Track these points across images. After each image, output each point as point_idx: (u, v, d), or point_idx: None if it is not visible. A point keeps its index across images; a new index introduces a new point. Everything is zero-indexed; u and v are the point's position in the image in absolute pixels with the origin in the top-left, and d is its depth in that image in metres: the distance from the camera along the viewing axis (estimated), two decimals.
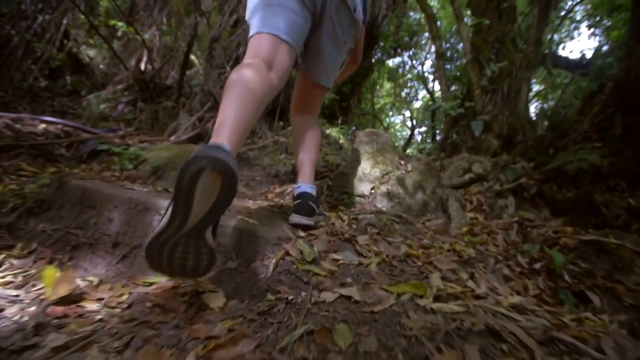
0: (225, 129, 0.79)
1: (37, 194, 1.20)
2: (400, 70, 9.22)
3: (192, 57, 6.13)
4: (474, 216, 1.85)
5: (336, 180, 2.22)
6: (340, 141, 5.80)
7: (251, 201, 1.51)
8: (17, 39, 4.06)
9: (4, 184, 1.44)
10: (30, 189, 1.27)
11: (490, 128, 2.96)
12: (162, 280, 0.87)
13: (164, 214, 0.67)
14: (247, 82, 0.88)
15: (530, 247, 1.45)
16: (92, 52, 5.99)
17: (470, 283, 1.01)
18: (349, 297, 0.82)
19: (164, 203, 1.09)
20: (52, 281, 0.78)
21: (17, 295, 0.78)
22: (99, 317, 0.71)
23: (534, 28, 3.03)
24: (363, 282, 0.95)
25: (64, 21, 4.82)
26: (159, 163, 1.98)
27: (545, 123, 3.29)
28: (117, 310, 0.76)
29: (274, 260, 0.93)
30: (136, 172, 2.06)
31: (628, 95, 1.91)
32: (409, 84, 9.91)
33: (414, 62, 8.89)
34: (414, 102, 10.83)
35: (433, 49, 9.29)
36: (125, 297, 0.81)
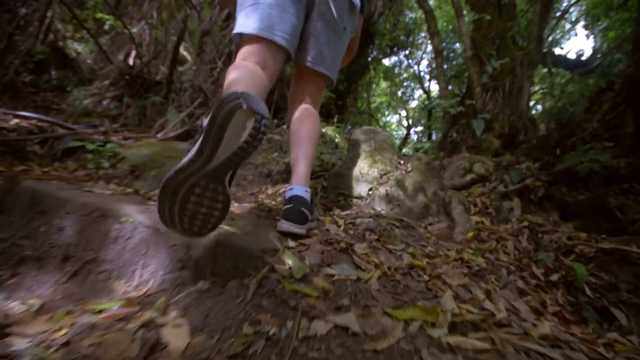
0: (241, 84, 0.82)
1: None
2: (397, 70, 9.09)
3: (185, 53, 5.90)
4: (480, 220, 1.70)
5: (331, 181, 2.05)
6: (336, 140, 5.63)
7: (237, 204, 1.33)
8: None
9: None
10: None
11: (491, 127, 2.82)
12: (114, 307, 0.69)
13: (189, 151, 0.65)
14: (249, 67, 0.97)
15: (544, 255, 1.30)
16: (80, 47, 5.74)
17: (487, 304, 0.85)
18: (345, 329, 0.65)
19: (126, 209, 0.91)
20: None
21: None
22: None
23: (536, 25, 2.89)
24: (362, 304, 0.79)
25: (48, 14, 4.59)
26: (138, 161, 1.80)
27: (543, 123, 3.16)
28: (50, 350, 0.58)
29: (255, 279, 0.76)
30: (113, 171, 1.87)
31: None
32: (405, 84, 9.79)
33: (410, 61, 8.78)
34: (410, 101, 10.72)
35: (429, 48, 9.17)
36: (64, 331, 0.63)
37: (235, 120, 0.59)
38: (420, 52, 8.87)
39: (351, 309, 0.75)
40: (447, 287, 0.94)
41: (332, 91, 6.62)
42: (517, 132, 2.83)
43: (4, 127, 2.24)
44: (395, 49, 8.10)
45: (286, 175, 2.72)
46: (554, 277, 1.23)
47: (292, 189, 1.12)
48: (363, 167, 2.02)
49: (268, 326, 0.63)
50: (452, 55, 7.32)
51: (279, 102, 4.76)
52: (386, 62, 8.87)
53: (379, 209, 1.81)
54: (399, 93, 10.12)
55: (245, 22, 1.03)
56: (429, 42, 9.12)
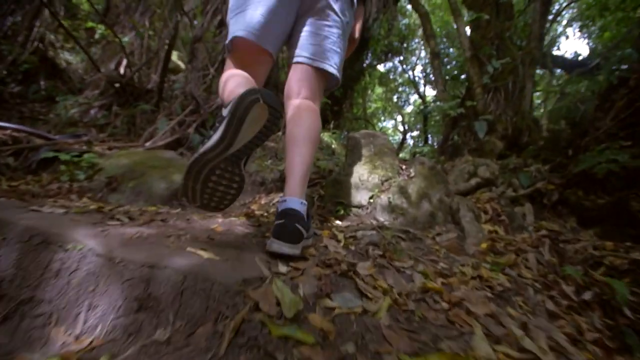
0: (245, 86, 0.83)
1: None
2: (391, 76, 9.01)
3: (179, 62, 5.75)
4: (492, 229, 1.53)
5: (329, 189, 1.88)
6: (333, 146, 5.47)
7: (220, 219, 1.15)
8: None
9: None
10: None
11: (493, 128, 2.67)
12: None
13: (210, 137, 0.73)
14: (240, 72, 0.98)
15: (572, 270, 1.13)
16: (71, 57, 5.59)
17: (527, 343, 0.67)
18: None
19: (75, 233, 0.73)
20: None
21: None
22: None
23: (536, 23, 2.78)
24: (372, 349, 0.61)
25: (37, 23, 4.43)
26: (116, 172, 1.61)
27: (550, 123, 3.02)
28: None
29: (232, 324, 0.58)
30: (89, 183, 1.68)
31: None
32: (400, 89, 9.70)
33: (405, 66, 8.70)
34: (406, 106, 10.63)
35: (423, 54, 9.13)
36: None
37: (253, 112, 0.69)
38: (414, 58, 8.82)
39: (358, 359, 0.57)
40: (473, 319, 0.76)
41: (328, 97, 6.49)
42: (520, 134, 2.69)
43: None
44: (389, 54, 8.03)
45: (281, 183, 2.54)
46: (587, 296, 1.06)
47: (285, 200, 0.93)
48: (363, 173, 1.85)
49: None
50: (446, 59, 7.24)
51: None
52: (381, 68, 8.80)
53: (381, 219, 1.63)
54: (395, 98, 10.04)
55: (237, 27, 1.02)
56: (423, 48, 9.09)
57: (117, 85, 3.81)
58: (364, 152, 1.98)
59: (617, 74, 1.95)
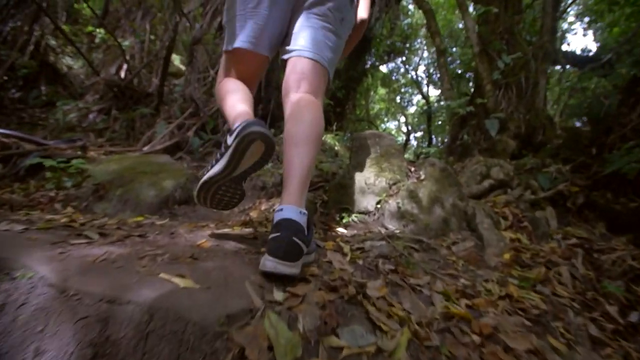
0: (244, 114, 0.88)
1: None
2: (394, 76, 8.84)
3: (181, 66, 5.67)
4: (514, 237, 1.37)
5: (333, 193, 1.73)
6: (336, 148, 5.33)
7: (211, 232, 1.01)
8: None
9: None
10: None
11: (505, 127, 2.51)
12: None
13: (215, 163, 0.85)
14: (233, 84, 1.01)
15: (613, 286, 0.97)
16: (72, 62, 5.53)
17: None
18: None
19: (27, 257, 0.60)
20: None
21: None
22: None
23: (548, 15, 2.61)
24: None
25: (36, 27, 4.36)
26: (105, 179, 1.49)
27: (567, 120, 2.86)
28: None
29: None
30: (76, 190, 1.56)
31: None
32: (402, 90, 9.52)
33: (408, 67, 8.53)
34: (409, 107, 10.44)
35: (426, 54, 8.96)
36: None
37: (252, 148, 0.80)
38: (417, 58, 8.66)
39: None
40: (513, 358, 0.61)
41: (330, 98, 6.36)
42: (534, 132, 2.52)
43: None
44: (392, 55, 7.88)
45: (282, 188, 2.40)
46: (634, 318, 0.90)
47: (281, 209, 0.78)
48: (369, 176, 1.71)
49: None
50: (449, 58, 7.07)
51: (275, 111, 4.48)
52: (383, 68, 8.65)
53: (390, 226, 1.48)
54: (397, 99, 9.87)
55: (231, 36, 1.02)
56: (426, 48, 8.92)
57: (115, 89, 3.70)
58: (370, 153, 1.84)
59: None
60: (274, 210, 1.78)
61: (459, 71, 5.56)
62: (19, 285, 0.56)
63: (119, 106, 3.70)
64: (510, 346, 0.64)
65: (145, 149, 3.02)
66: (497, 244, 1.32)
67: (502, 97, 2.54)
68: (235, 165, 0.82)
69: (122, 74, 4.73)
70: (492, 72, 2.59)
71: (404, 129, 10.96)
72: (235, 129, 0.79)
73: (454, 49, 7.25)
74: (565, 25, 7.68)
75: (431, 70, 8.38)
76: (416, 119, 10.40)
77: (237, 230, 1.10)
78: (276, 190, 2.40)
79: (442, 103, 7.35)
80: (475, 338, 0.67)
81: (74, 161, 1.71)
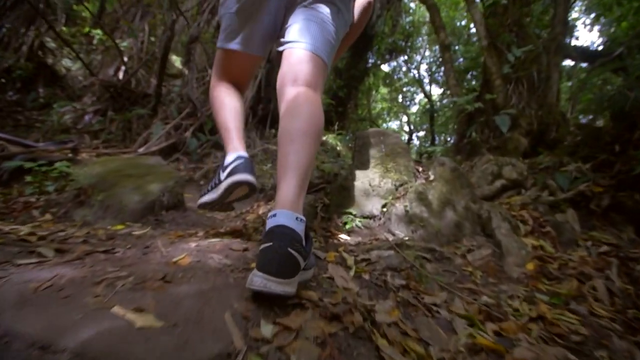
0: (235, 139, 0.96)
1: None
2: (396, 75, 8.68)
3: (183, 67, 5.57)
4: (537, 243, 1.22)
5: (334, 196, 1.59)
6: (338, 148, 5.19)
7: (195, 244, 0.87)
8: None
9: None
10: None
11: (517, 124, 2.36)
12: None
13: (211, 190, 0.99)
14: (230, 99, 1.02)
15: None
16: (72, 64, 5.43)
17: None
18: None
19: None
20: None
21: None
22: None
23: (561, 5, 2.46)
24: None
25: (32, 30, 4.27)
26: (87, 182, 1.36)
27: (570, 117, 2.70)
28: None
29: None
30: (58, 196, 1.43)
31: None
32: (404, 89, 9.36)
33: (410, 65, 8.37)
34: (411, 106, 10.27)
35: (428, 52, 8.80)
36: None
37: (239, 190, 0.94)
38: (419, 57, 8.49)
39: None
40: None
41: (331, 98, 6.22)
42: (547, 129, 2.36)
43: None
44: (394, 54, 7.73)
45: None
46: None
47: (274, 215, 0.65)
48: (373, 177, 1.57)
49: None
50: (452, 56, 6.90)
51: (275, 111, 4.35)
52: (385, 67, 8.50)
53: (398, 232, 1.34)
54: (400, 98, 9.70)
55: (223, 34, 0.99)
56: (427, 46, 8.76)
57: (112, 90, 3.59)
58: (374, 152, 1.70)
59: None
60: None
61: (463, 68, 5.41)
62: None
63: (116, 107, 3.58)
64: None
65: (141, 150, 2.91)
66: (517, 252, 1.17)
67: (512, 92, 2.39)
68: (225, 198, 0.95)
69: (121, 75, 4.63)
70: (502, 66, 2.44)
71: (406, 128, 10.80)
72: (227, 167, 0.91)
73: (457, 47, 7.08)
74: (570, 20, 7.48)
75: (433, 69, 8.22)
76: (418, 118, 10.23)
77: (227, 240, 0.97)
78: (275, 192, 2.26)
79: (445, 102, 7.19)
80: None
81: (57, 164, 1.59)
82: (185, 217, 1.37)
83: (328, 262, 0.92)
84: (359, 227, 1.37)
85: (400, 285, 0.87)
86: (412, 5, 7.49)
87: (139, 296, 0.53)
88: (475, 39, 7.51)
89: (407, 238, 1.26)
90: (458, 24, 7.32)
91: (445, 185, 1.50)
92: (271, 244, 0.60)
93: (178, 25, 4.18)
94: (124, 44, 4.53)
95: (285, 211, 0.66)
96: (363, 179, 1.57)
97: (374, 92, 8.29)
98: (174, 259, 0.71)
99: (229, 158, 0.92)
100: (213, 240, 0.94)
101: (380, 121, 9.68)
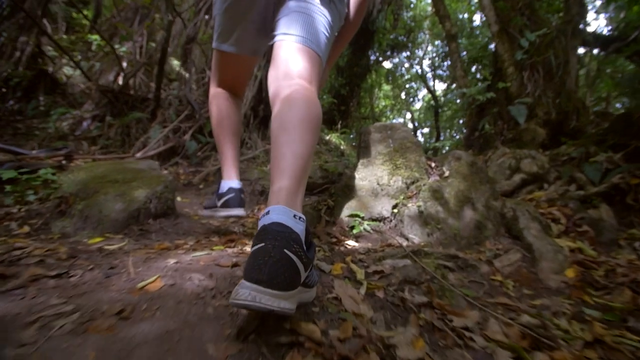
0: (228, 167, 1.02)
1: None
2: (398, 72, 8.49)
3: (180, 69, 5.47)
4: (574, 245, 1.06)
5: (340, 197, 1.44)
6: (342, 147, 5.04)
7: (174, 260, 0.73)
8: None
9: None
10: None
11: (533, 113, 2.18)
12: None
13: (211, 209, 1.06)
14: (227, 118, 1.02)
15: None
16: (72, 71, 5.38)
17: None
18: None
19: None
20: None
21: None
22: None
23: None
24: None
25: (31, 38, 4.21)
26: (71, 190, 1.23)
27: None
28: None
29: None
30: (40, 205, 1.31)
31: None
32: (407, 85, 9.15)
33: (412, 61, 8.17)
34: (414, 103, 10.05)
35: (430, 47, 8.58)
36: None
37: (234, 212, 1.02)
38: (421, 52, 8.28)
39: None
40: None
41: (334, 96, 6.07)
42: (566, 117, 2.18)
43: None
44: (395, 51, 7.55)
45: None
46: None
47: (267, 212, 0.52)
48: (382, 175, 1.41)
49: None
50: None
51: None
52: (387, 64, 8.31)
53: (412, 235, 1.18)
54: (402, 95, 9.49)
55: (216, 35, 0.95)
56: (430, 42, 8.55)
57: (109, 94, 3.49)
58: (381, 148, 1.54)
59: None
60: None
61: (467, 61, 5.20)
62: None
63: (114, 112, 3.49)
64: None
65: (138, 155, 2.79)
66: (553, 256, 1.01)
67: (527, 80, 2.21)
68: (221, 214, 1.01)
69: (120, 80, 4.55)
70: (514, 53, 2.26)
71: (410, 125, 10.58)
72: (221, 198, 0.99)
73: (460, 40, 6.88)
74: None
75: (436, 64, 8.00)
76: (422, 115, 10.01)
77: (217, 252, 0.82)
78: None
79: (450, 96, 6.97)
80: None
81: (41, 171, 1.47)
82: (175, 225, 1.23)
83: (334, 276, 0.77)
84: (368, 231, 1.22)
85: (421, 303, 0.71)
86: None
87: (77, 344, 0.38)
88: (478, 32, 7.29)
89: (423, 243, 1.10)
90: (460, 16, 7.11)
91: (462, 182, 1.33)
92: (263, 244, 0.46)
93: (177, 27, 4.08)
94: (123, 49, 4.45)
95: (281, 207, 0.52)
96: (370, 178, 1.41)
97: (376, 90, 8.11)
98: (142, 283, 0.57)
99: (223, 186, 1.01)
100: (199, 253, 0.79)
101: (383, 119, 9.48)
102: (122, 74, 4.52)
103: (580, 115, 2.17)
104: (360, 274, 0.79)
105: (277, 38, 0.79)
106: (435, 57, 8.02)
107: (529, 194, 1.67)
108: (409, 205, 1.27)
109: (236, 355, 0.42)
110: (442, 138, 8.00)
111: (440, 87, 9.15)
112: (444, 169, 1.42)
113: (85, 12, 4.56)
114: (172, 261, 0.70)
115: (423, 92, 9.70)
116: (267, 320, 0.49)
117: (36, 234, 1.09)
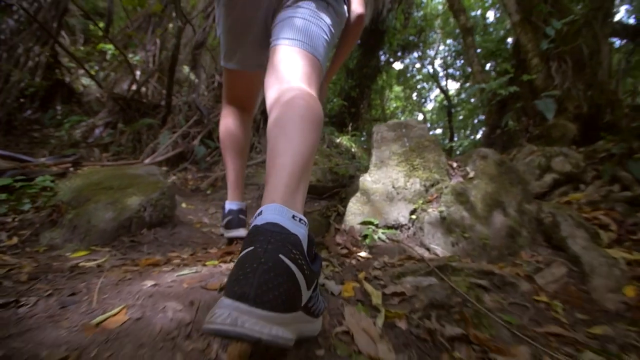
0: (232, 189, 1.01)
1: None
2: (409, 73, 8.26)
3: (189, 74, 5.49)
4: (630, 257, 0.88)
5: (351, 202, 1.30)
6: (353, 150, 4.89)
7: (152, 282, 0.61)
8: None
9: None
10: None
11: (562, 107, 1.97)
12: None
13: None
14: (231, 138, 1.01)
15: None
16: (89, 81, 5.49)
17: None
18: None
19: None
20: None
21: None
22: None
23: None
24: None
25: (36, 48, 4.31)
26: (65, 198, 1.15)
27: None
28: None
29: None
30: (34, 214, 1.23)
31: None
32: (419, 86, 8.90)
33: (423, 61, 7.93)
34: (426, 103, 9.76)
35: (442, 47, 8.34)
36: None
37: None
38: (432, 52, 8.04)
39: None
40: None
41: (344, 98, 5.93)
42: (599, 111, 1.96)
43: None
44: (406, 51, 7.36)
45: None
46: None
47: (260, 213, 0.43)
48: (397, 177, 1.26)
49: None
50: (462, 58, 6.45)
51: None
52: (398, 65, 8.11)
53: (434, 245, 1.03)
54: (414, 96, 9.24)
55: (223, 54, 0.94)
56: (441, 41, 8.31)
57: (121, 102, 3.49)
58: (396, 148, 1.39)
59: None
60: None
61: (483, 59, 4.96)
62: None
63: (126, 119, 3.48)
64: None
65: (147, 161, 2.75)
66: (607, 270, 0.83)
67: (555, 72, 2.00)
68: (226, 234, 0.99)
69: (134, 88, 4.58)
70: (539, 43, 2.06)
71: None
72: (225, 218, 0.99)
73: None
74: None
75: (449, 62, 7.74)
76: (435, 115, 9.72)
77: (208, 270, 0.70)
78: None
79: (463, 96, 6.71)
80: None
81: (38, 179, 1.40)
82: (172, 235, 1.12)
83: (344, 300, 0.63)
84: (383, 241, 1.07)
85: (454, 335, 0.56)
86: None
87: None
88: (492, 29, 7.01)
89: (448, 255, 0.94)
90: (473, 13, 6.86)
91: (490, 183, 1.17)
92: (252, 248, 0.36)
93: (188, 34, 4.07)
94: (137, 57, 4.49)
95: (276, 205, 0.42)
96: (385, 180, 1.26)
97: (387, 91, 7.93)
98: (100, 318, 0.44)
99: (225, 207, 1.02)
100: (185, 272, 0.67)
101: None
102: (135, 82, 4.56)
103: (615, 107, 1.95)
104: (376, 297, 0.64)
105: (272, 44, 0.74)
106: (447, 56, 7.77)
107: (563, 196, 1.48)
108: (429, 210, 1.12)
109: None
110: (455, 139, 7.71)
111: (452, 86, 8.85)
112: (468, 169, 1.26)
113: (99, 23, 4.64)
114: (149, 283, 0.58)
115: (435, 93, 9.43)
116: None
117: (23, 246, 1.00)
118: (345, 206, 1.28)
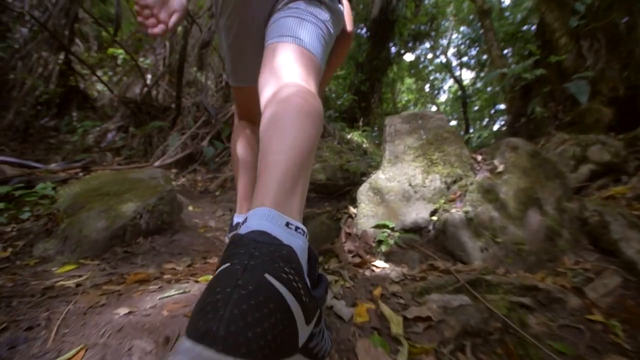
0: (240, 203, 0.94)
1: None
2: (421, 64, 7.95)
3: (196, 74, 5.47)
4: None
5: (363, 203, 1.17)
6: (364, 145, 4.73)
7: (125, 311, 0.51)
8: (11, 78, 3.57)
9: None
10: None
11: (595, 90, 1.76)
12: None
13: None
14: (243, 152, 0.96)
15: None
16: (103, 86, 5.58)
17: None
18: None
19: None
20: None
21: None
22: None
23: None
24: None
25: (48, 57, 4.38)
26: (62, 205, 1.08)
27: None
28: None
29: None
30: (33, 223, 1.17)
31: None
32: (431, 77, 8.56)
33: (436, 51, 7.61)
34: (439, 95, 9.40)
35: (455, 35, 7.98)
36: None
37: None
38: (445, 41, 7.70)
39: None
40: None
41: (354, 93, 5.76)
42: (637, 94, 1.74)
43: None
44: (417, 41, 7.08)
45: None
46: None
47: (244, 220, 0.33)
48: (414, 174, 1.12)
49: None
50: (477, 46, 6.14)
51: None
52: (409, 57, 7.83)
53: (459, 251, 0.89)
54: (427, 88, 8.91)
55: (229, 73, 0.91)
56: (454, 29, 7.94)
57: (132, 105, 3.48)
58: (411, 141, 1.25)
59: None
60: None
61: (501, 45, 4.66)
62: None
63: (137, 123, 3.47)
64: None
65: (157, 164, 2.71)
66: None
67: (587, 51, 1.79)
68: None
69: (145, 92, 4.59)
70: (567, 21, 1.85)
71: None
72: (231, 231, 0.90)
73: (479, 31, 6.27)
74: None
75: (462, 51, 7.39)
76: (449, 107, 9.35)
77: (197, 288, 0.60)
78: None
79: (479, 84, 6.39)
80: None
81: (39, 186, 1.35)
82: (171, 243, 1.04)
83: (357, 327, 0.52)
84: (401, 247, 0.94)
85: None
86: None
87: None
88: (508, 13, 6.62)
89: (478, 264, 0.81)
90: None
91: (522, 178, 1.01)
92: (227, 265, 0.27)
93: (196, 35, 4.01)
94: (147, 61, 4.50)
95: (265, 209, 0.34)
96: (400, 178, 1.13)
97: (398, 84, 7.67)
98: (73, 347, 0.34)
99: (234, 220, 0.96)
100: (171, 293, 0.57)
101: None
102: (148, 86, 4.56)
103: None
104: (396, 325, 0.52)
105: (265, 45, 0.69)
106: (461, 44, 7.42)
107: (603, 190, 1.30)
108: (453, 210, 0.98)
109: None
110: (471, 130, 7.39)
111: (467, 75, 8.48)
112: (496, 162, 1.11)
113: (110, 29, 4.67)
114: (122, 312, 0.48)
115: (449, 83, 9.06)
116: None
117: (14, 259, 0.94)
118: (357, 207, 1.16)
